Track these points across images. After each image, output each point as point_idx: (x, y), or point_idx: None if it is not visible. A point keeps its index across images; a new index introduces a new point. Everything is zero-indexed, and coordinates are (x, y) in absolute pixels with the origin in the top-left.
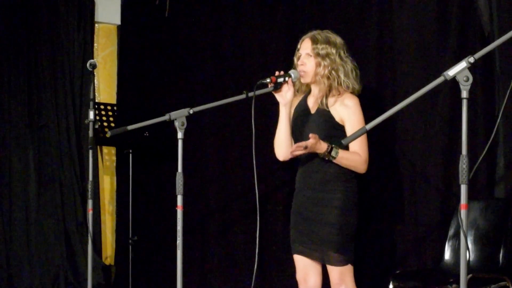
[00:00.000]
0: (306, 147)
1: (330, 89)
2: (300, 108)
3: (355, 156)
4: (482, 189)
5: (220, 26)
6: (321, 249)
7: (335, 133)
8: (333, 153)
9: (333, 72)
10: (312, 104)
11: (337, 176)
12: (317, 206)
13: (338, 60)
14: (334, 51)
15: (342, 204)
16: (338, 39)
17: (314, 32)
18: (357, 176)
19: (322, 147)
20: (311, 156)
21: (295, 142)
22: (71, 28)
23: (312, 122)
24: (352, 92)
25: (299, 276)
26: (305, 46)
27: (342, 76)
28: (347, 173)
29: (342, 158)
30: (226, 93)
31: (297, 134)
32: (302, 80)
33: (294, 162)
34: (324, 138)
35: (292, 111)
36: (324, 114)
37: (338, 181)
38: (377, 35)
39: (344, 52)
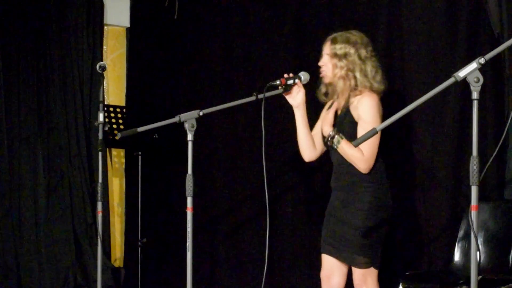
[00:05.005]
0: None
1: (350, 89)
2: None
3: (356, 153)
4: (492, 190)
5: (229, 28)
6: (347, 250)
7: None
8: (335, 141)
9: (349, 73)
10: (340, 105)
11: (366, 178)
12: (345, 207)
13: (356, 60)
14: (352, 51)
15: (369, 207)
16: (360, 39)
17: (337, 34)
18: (388, 178)
19: (326, 129)
20: (338, 157)
21: (326, 146)
22: (80, 31)
23: (338, 123)
24: (373, 91)
25: (323, 274)
26: (326, 47)
27: (358, 76)
28: (376, 175)
29: (343, 149)
30: (236, 95)
31: None
32: (324, 81)
33: (309, 164)
34: (348, 138)
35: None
36: (346, 115)
37: (366, 183)
38: (387, 37)
39: (366, 52)
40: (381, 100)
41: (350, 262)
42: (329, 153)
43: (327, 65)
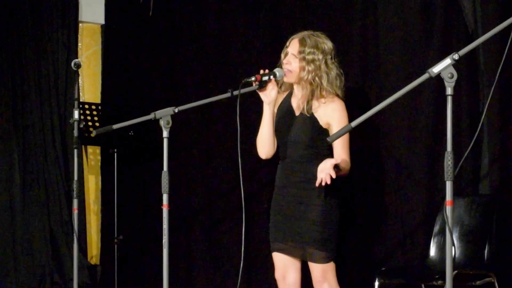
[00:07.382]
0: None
1: (312, 93)
2: (284, 108)
3: (347, 163)
4: (467, 185)
5: (204, 25)
6: (304, 247)
7: (320, 137)
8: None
9: (316, 78)
10: (296, 106)
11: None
12: (299, 204)
13: (323, 66)
14: (320, 57)
15: (325, 202)
16: (327, 45)
17: (305, 34)
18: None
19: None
20: (292, 155)
21: (279, 143)
22: (55, 28)
23: (297, 124)
24: (337, 95)
25: (277, 274)
26: (293, 46)
27: (325, 83)
28: None
29: (343, 169)
30: (211, 92)
31: (281, 135)
32: (285, 79)
33: (278, 160)
34: (308, 141)
35: (276, 109)
36: (309, 117)
37: None
38: (361, 33)
39: (331, 58)
40: (355, 96)
41: (308, 258)
42: (281, 150)
43: (292, 65)
